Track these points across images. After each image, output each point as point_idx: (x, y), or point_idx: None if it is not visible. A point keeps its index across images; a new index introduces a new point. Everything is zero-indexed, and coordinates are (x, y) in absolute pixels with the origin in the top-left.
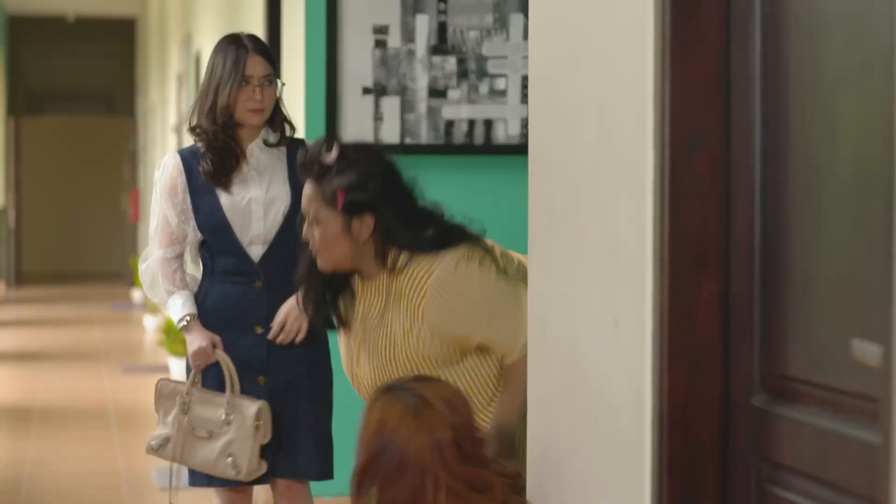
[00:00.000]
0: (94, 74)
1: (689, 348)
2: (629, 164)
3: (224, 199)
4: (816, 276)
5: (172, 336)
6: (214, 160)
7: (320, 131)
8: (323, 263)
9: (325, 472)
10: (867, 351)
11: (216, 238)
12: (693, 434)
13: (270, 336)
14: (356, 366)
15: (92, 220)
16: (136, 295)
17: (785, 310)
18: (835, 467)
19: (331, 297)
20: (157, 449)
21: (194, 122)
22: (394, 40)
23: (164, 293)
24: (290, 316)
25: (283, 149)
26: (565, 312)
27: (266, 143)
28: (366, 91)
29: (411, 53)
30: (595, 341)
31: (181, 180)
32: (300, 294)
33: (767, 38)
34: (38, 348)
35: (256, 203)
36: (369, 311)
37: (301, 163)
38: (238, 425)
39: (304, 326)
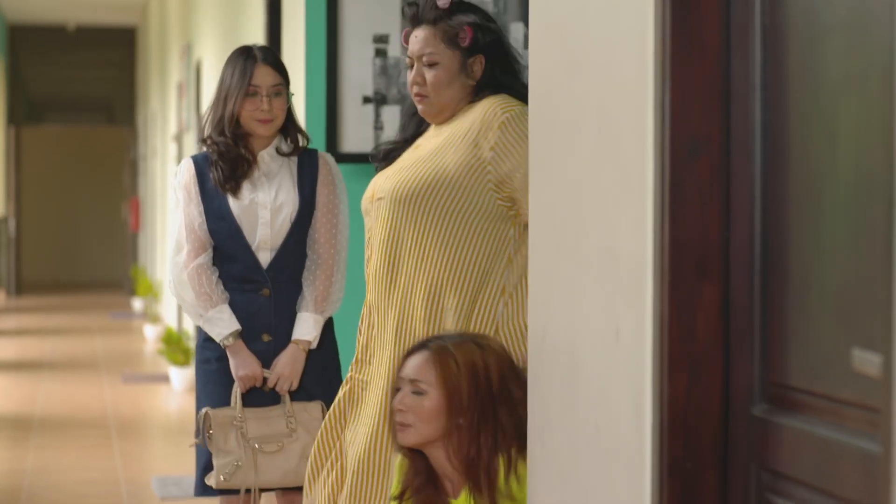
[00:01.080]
0: (94, 83)
1: (689, 356)
2: (629, 172)
3: (232, 202)
4: (817, 285)
5: (172, 345)
6: (225, 168)
7: (321, 140)
8: (428, 107)
9: None
10: (867, 360)
11: (226, 243)
12: (693, 442)
13: (269, 384)
14: (378, 180)
15: (92, 229)
16: (136, 304)
17: (785, 318)
18: (835, 477)
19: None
20: (230, 478)
21: (206, 133)
22: (394, 49)
23: (204, 304)
24: (285, 369)
25: (294, 158)
26: (565, 320)
27: (279, 151)
28: (366, 100)
29: None
30: (595, 349)
31: (194, 183)
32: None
33: (767, 45)
34: (38, 357)
35: (264, 207)
36: (425, 142)
37: (413, 13)
38: (306, 428)
39: (296, 383)
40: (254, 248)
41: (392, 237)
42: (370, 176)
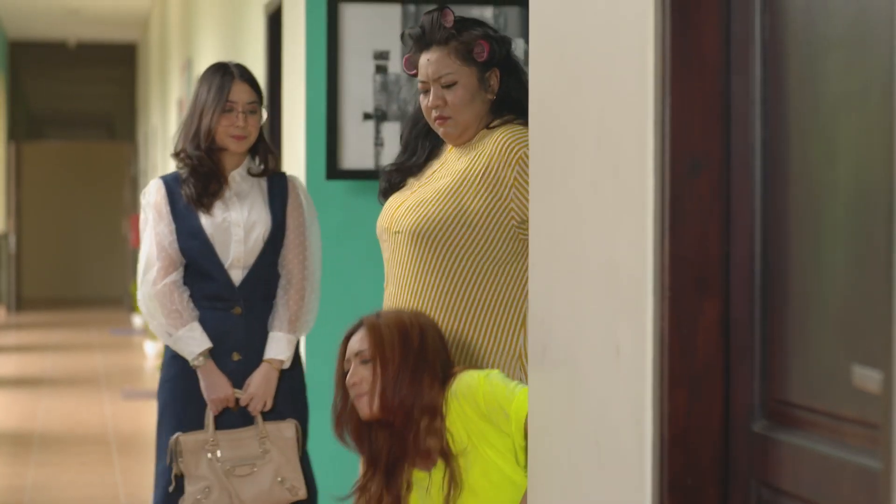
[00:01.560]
0: (94, 99)
1: (690, 373)
2: (629, 188)
3: (205, 220)
4: (817, 301)
5: None
6: (197, 185)
7: (321, 156)
8: (452, 128)
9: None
10: (867, 377)
11: (198, 261)
12: (693, 459)
13: (241, 404)
14: (395, 204)
15: (92, 245)
16: (136, 320)
17: (785, 335)
18: (835, 493)
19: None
20: (202, 501)
21: (179, 148)
22: (395, 66)
23: (174, 322)
24: (258, 389)
25: (264, 179)
26: (566, 336)
27: (249, 172)
28: (366, 116)
29: (412, 79)
30: (595, 365)
31: (164, 202)
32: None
33: (767, 61)
34: (39, 373)
35: (237, 225)
36: (441, 168)
37: (418, 35)
38: (280, 449)
39: (270, 403)
40: (226, 266)
41: (412, 272)
42: (369, 192)
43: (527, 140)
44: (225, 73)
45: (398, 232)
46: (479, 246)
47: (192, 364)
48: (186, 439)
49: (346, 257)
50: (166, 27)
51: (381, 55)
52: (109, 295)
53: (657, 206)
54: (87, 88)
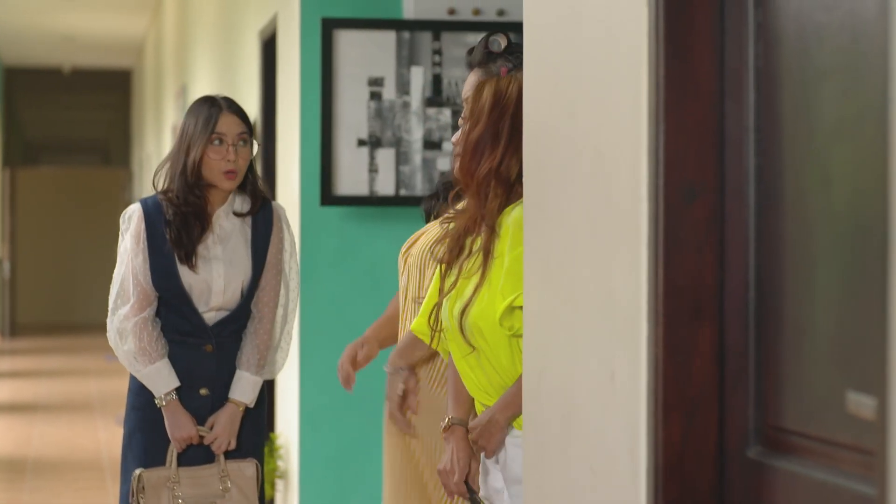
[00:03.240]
0: (89, 125)
1: (685, 399)
2: (624, 215)
3: (184, 271)
4: (811, 328)
5: None
6: (181, 228)
7: (315, 182)
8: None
9: None
10: (862, 403)
11: (172, 302)
12: (688, 485)
13: (206, 441)
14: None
15: (87, 271)
16: None
17: (780, 361)
18: None
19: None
20: None
21: (165, 186)
22: (389, 92)
23: (143, 360)
24: (223, 430)
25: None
26: (561, 363)
27: (236, 213)
28: (361, 143)
29: (406, 105)
30: (590, 392)
31: (143, 234)
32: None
33: (761, 89)
34: (33, 399)
35: (218, 278)
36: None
37: (470, 55)
38: (240, 487)
39: (234, 443)
40: (204, 311)
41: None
42: (364, 218)
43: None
44: (212, 105)
45: (411, 254)
46: None
47: (157, 403)
48: (149, 475)
49: (341, 283)
50: (161, 53)
51: (376, 81)
52: (104, 321)
53: (651, 233)
54: (82, 114)
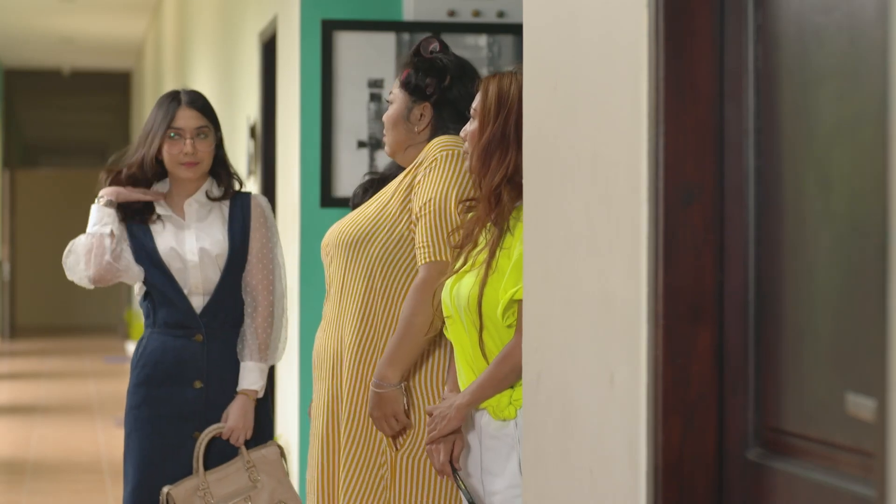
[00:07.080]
0: (88, 127)
1: (684, 402)
2: (623, 217)
3: (161, 245)
4: (810, 330)
5: None
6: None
7: (315, 184)
8: (386, 144)
9: None
10: (861, 405)
11: (158, 287)
12: (687, 488)
13: (224, 436)
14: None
15: None
16: (130, 348)
17: (779, 363)
18: None
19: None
20: None
21: (124, 174)
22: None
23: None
24: (238, 422)
25: (226, 202)
26: (560, 366)
27: (209, 196)
28: (361, 144)
29: None
30: (589, 395)
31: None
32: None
33: (760, 91)
34: (32, 401)
35: (192, 253)
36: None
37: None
38: (269, 473)
39: (250, 433)
40: (186, 292)
41: (336, 281)
42: None
43: (449, 146)
44: (172, 100)
45: (327, 244)
46: (389, 251)
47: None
48: (177, 491)
49: None
50: (161, 55)
51: (376, 83)
52: (103, 323)
53: (651, 235)
54: (82, 116)
